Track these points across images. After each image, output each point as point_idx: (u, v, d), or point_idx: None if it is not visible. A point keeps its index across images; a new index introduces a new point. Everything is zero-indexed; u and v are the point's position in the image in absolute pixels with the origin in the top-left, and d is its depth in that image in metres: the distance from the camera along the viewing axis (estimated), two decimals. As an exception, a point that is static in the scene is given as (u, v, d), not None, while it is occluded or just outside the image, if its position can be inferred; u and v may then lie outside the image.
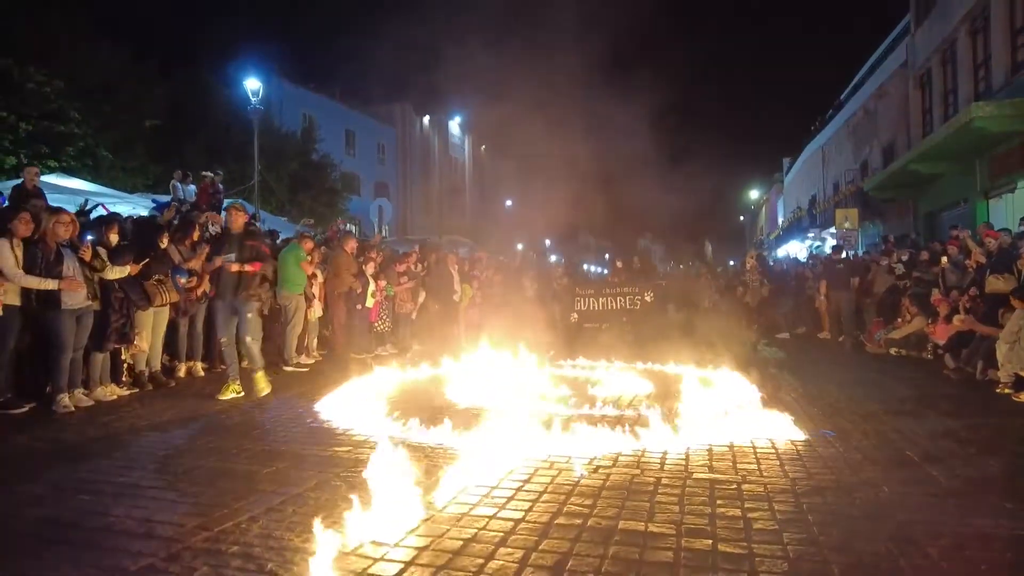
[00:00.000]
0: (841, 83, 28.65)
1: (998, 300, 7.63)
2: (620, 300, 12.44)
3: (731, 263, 17.39)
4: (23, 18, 16.96)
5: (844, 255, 14.11)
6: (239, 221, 6.68)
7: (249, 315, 6.50)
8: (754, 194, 52.97)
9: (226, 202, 13.27)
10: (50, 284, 5.65)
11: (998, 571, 2.65)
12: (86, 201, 9.60)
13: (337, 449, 4.60)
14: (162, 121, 20.77)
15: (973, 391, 6.93)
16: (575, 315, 12.40)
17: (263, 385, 6.60)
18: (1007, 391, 6.54)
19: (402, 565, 2.70)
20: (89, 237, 6.43)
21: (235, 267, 6.39)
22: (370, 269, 10.01)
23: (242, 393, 6.50)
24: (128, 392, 6.63)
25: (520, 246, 17.42)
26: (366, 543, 2.89)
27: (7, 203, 7.59)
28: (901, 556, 2.73)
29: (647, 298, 12.36)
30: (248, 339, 6.51)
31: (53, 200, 9.07)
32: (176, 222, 8.98)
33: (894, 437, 4.82)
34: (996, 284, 7.71)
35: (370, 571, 2.65)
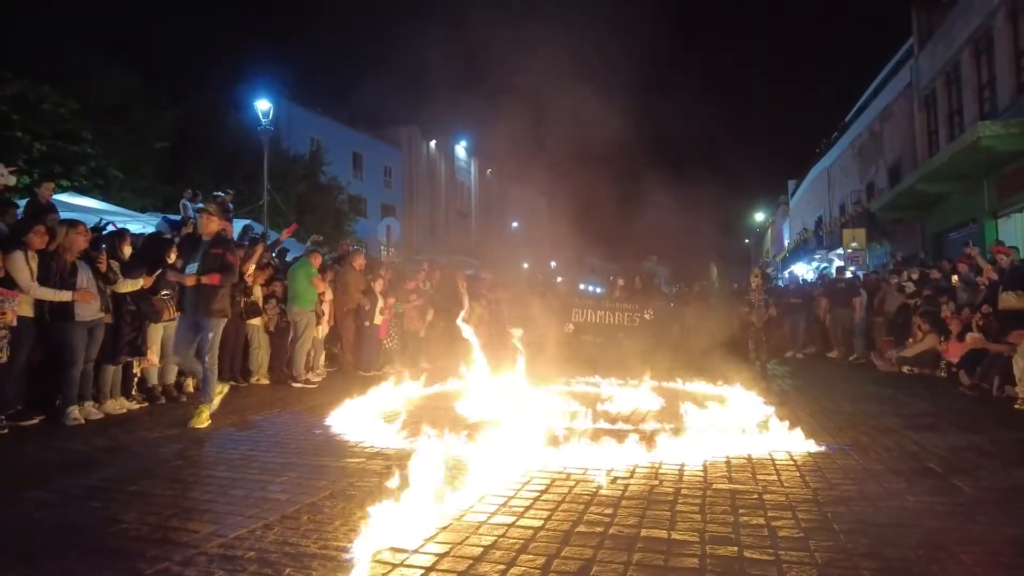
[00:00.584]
0: (846, 105, 28.87)
1: (1011, 317, 7.58)
2: (619, 316, 12.09)
3: (734, 285, 17.23)
4: (40, 41, 17.32)
5: (848, 274, 14.12)
6: (210, 227, 5.91)
7: (211, 334, 5.74)
8: (760, 216, 53.01)
9: (237, 224, 13.35)
10: (64, 296, 5.66)
11: (1035, 578, 2.58)
12: (100, 219, 9.65)
13: (350, 460, 4.55)
14: (172, 142, 21.00)
15: (990, 407, 6.83)
16: (571, 325, 11.98)
17: (205, 417, 5.67)
18: (1025, 406, 6.45)
19: (423, 571, 2.64)
20: (103, 246, 6.45)
21: (190, 280, 5.72)
22: (379, 287, 10.02)
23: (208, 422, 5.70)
24: (138, 406, 6.60)
25: (525, 265, 17.40)
26: (385, 550, 2.84)
27: (21, 216, 7.63)
28: (933, 562, 2.67)
29: (647, 316, 12.03)
30: (206, 361, 5.74)
31: (65, 218, 9.16)
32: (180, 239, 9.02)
33: (915, 450, 4.75)
34: (1010, 301, 7.66)
35: (391, 576, 2.60)
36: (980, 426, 5.73)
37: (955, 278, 9.84)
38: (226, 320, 6.09)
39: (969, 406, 6.94)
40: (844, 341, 12.55)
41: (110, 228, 9.67)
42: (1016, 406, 6.57)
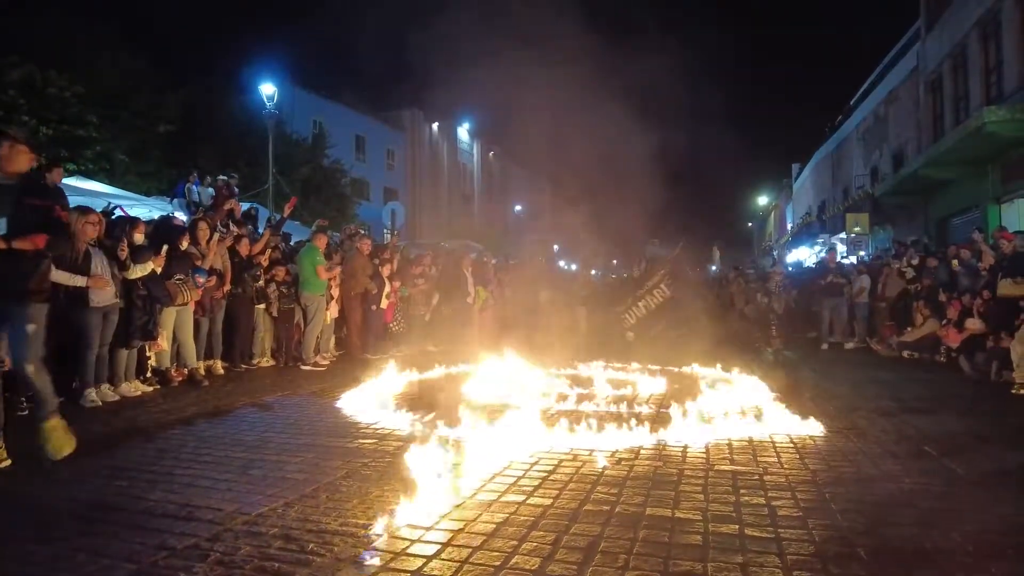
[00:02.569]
0: (852, 89, 28.72)
1: (1010, 303, 7.66)
2: (658, 292, 11.24)
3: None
4: (47, 25, 17.29)
5: (835, 263, 13.71)
6: (17, 163, 4.01)
7: (29, 328, 3.99)
8: (763, 200, 52.91)
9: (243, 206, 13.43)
10: (79, 281, 5.76)
11: None
12: (108, 204, 9.76)
13: (363, 442, 4.69)
14: (176, 126, 21.02)
15: (988, 391, 6.96)
16: (630, 333, 11.26)
17: (62, 439, 4.01)
18: (1023, 391, 6.57)
19: (439, 546, 2.77)
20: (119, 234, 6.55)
21: None
22: (386, 271, 10.12)
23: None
24: (152, 388, 6.75)
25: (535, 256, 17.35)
26: (402, 527, 2.97)
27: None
28: (926, 540, 2.79)
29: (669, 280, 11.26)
30: (28, 366, 4.03)
31: (73, 202, 9.25)
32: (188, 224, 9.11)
33: (912, 433, 4.87)
34: (1008, 288, 7.75)
35: (409, 551, 2.73)
36: (977, 410, 5.86)
37: (955, 263, 9.91)
38: (47, 307, 4.23)
39: (967, 391, 7.06)
40: (840, 326, 12.37)
41: (118, 212, 9.78)
42: (1013, 391, 6.69)
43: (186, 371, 7.22)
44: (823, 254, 21.20)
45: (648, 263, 13.51)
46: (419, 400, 6.24)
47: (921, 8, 18.89)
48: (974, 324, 8.44)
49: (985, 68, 15.27)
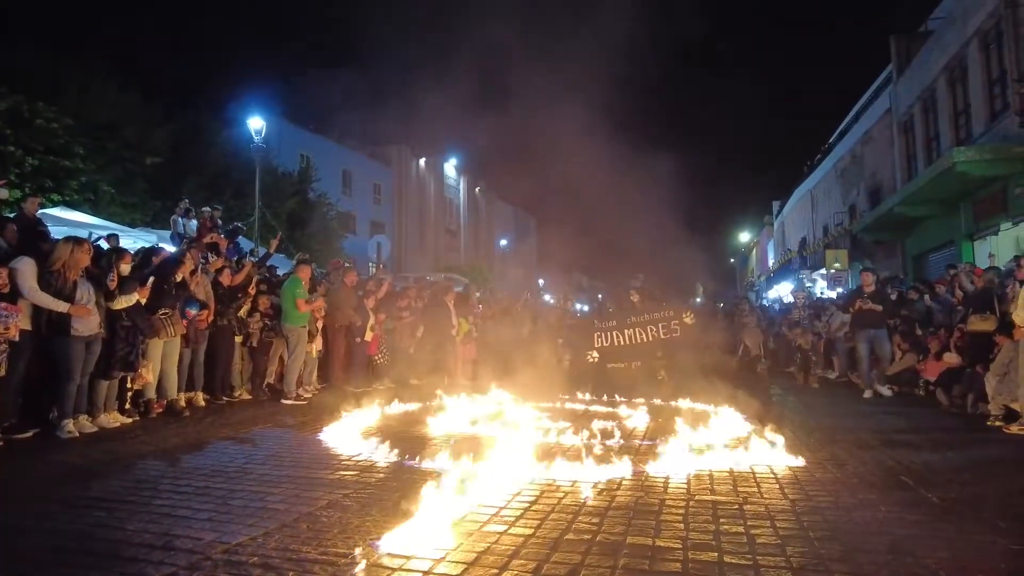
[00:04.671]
0: (830, 129, 29.55)
1: (983, 338, 7.83)
2: (652, 329, 10.22)
3: (720, 305, 17.34)
4: (36, 56, 17.43)
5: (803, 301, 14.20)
6: None
7: None
8: (745, 236, 53.70)
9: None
10: (61, 306, 5.74)
11: (993, 580, 2.76)
12: (90, 234, 9.76)
13: (344, 473, 4.66)
14: (163, 158, 21.10)
15: (965, 423, 7.07)
16: (594, 354, 10.41)
17: None
18: (998, 423, 6.68)
19: (420, 574, 2.77)
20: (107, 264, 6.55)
21: None
22: (370, 303, 10.14)
23: None
24: (131, 420, 6.66)
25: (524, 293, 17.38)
26: (383, 556, 2.97)
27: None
28: (901, 567, 2.84)
29: (687, 320, 10.18)
30: None
31: (57, 232, 9.25)
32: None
33: (890, 464, 4.94)
34: (977, 324, 7.94)
35: (389, 579, 2.72)
36: (953, 442, 5.94)
37: (926, 298, 10.17)
38: None
39: (945, 423, 7.18)
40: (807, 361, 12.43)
41: (101, 243, 9.77)
42: (989, 422, 6.80)
43: (165, 402, 7.14)
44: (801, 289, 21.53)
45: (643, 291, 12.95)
46: (401, 433, 6.22)
47: (893, 53, 19.62)
48: (951, 358, 8.61)
49: (954, 111, 15.83)
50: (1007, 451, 5.72)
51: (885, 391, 9.47)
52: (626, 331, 10.40)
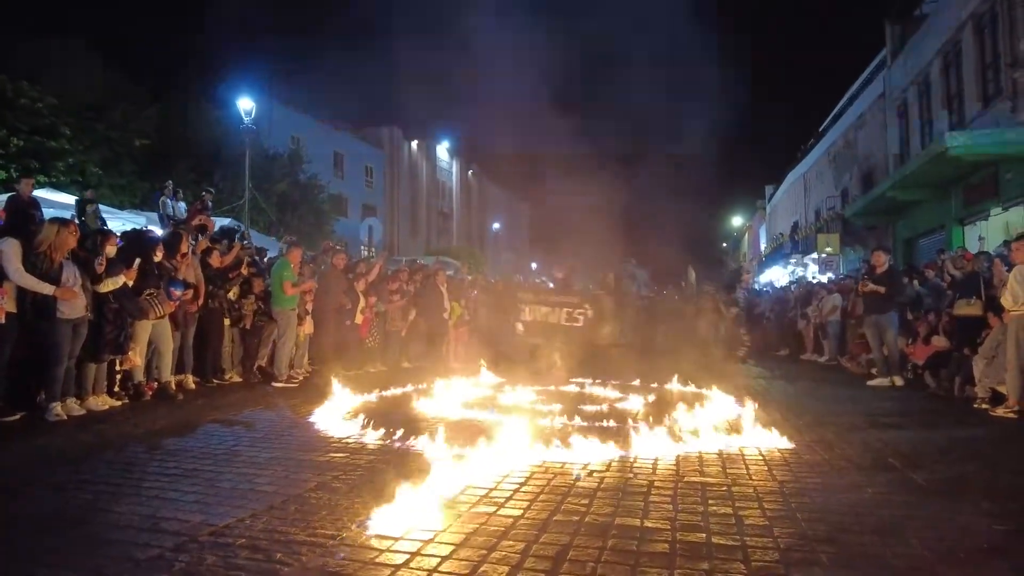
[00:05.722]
0: (823, 113, 29.50)
1: (970, 322, 7.89)
2: (560, 313, 10.27)
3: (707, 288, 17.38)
4: (20, 38, 17.18)
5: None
6: None
7: None
8: (737, 221, 53.76)
9: (220, 222, 13.34)
10: (46, 288, 5.66)
11: (976, 557, 2.79)
12: (82, 196, 9.57)
13: (334, 455, 4.65)
14: (152, 140, 20.85)
15: (952, 406, 7.14)
16: (520, 326, 10.38)
17: None
18: (984, 406, 6.75)
19: (408, 556, 2.77)
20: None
21: None
22: (360, 286, 10.09)
23: None
24: (120, 403, 6.63)
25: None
26: (371, 537, 2.96)
27: (4, 212, 7.61)
28: (885, 546, 2.86)
29: (588, 313, 10.28)
30: None
31: (45, 213, 9.15)
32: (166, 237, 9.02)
33: (877, 446, 4.98)
34: (964, 309, 7.99)
35: (378, 560, 2.72)
36: (940, 424, 6.01)
37: (915, 283, 10.22)
38: None
39: (932, 406, 7.25)
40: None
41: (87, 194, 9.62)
42: (975, 405, 6.86)
43: (156, 384, 7.10)
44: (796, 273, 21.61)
45: (617, 277, 12.91)
46: (392, 415, 6.21)
47: (887, 37, 19.54)
48: (939, 341, 8.66)
49: (947, 95, 15.82)
50: (993, 433, 5.78)
51: (898, 380, 8.90)
52: (543, 308, 10.30)
